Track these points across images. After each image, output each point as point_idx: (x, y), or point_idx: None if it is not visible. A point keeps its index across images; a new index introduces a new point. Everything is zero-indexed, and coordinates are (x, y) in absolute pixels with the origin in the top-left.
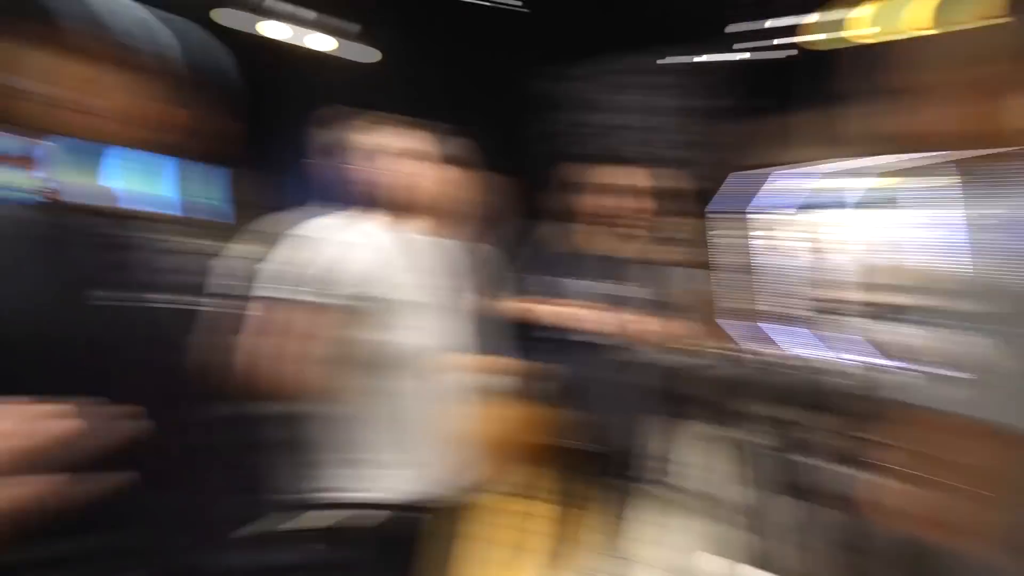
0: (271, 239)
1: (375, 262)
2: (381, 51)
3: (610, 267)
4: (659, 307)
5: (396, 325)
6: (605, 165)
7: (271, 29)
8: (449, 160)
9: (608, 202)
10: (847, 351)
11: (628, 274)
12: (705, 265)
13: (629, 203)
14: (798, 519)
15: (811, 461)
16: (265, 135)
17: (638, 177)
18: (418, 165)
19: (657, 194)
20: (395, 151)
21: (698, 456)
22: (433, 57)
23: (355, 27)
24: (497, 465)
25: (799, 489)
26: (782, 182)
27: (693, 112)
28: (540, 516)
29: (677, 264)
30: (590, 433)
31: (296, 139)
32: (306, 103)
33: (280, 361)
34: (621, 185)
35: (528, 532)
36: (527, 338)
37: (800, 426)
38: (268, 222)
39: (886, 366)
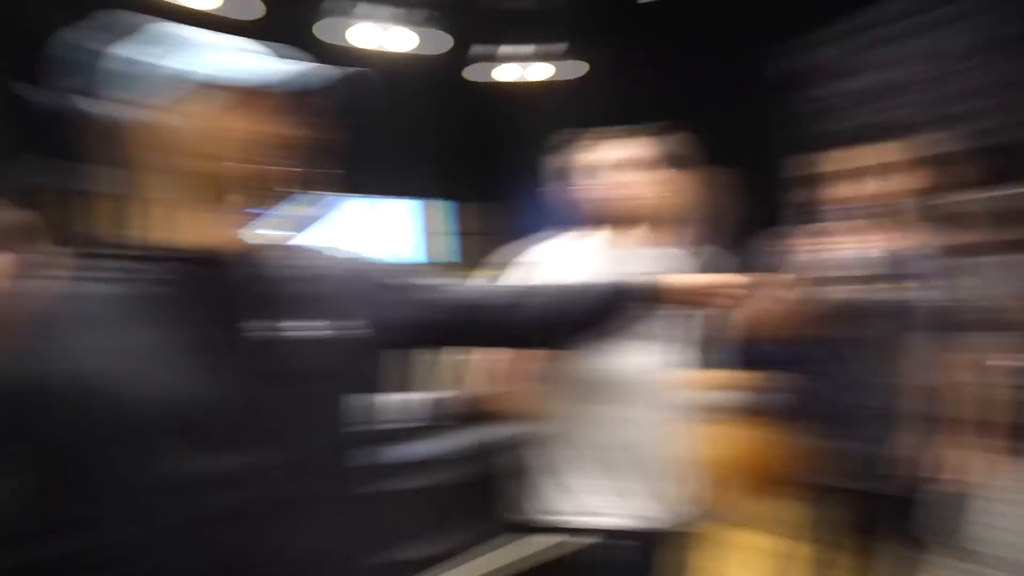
0: (503, 269)
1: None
2: (589, 63)
3: (892, 267)
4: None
5: (621, 346)
6: (863, 143)
7: (501, 72)
8: (673, 162)
9: (868, 187)
10: None
11: (925, 273)
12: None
13: (891, 185)
14: None
15: None
16: (493, 167)
17: (904, 152)
18: (638, 174)
19: (932, 166)
20: (614, 163)
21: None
22: (644, 57)
23: (562, 46)
24: (729, 493)
25: None
26: None
27: (986, 50)
28: (784, 555)
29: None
30: (848, 464)
31: (526, 168)
32: (530, 130)
33: (511, 383)
34: (882, 164)
35: (766, 572)
36: (763, 352)
37: None
38: (501, 253)
39: None
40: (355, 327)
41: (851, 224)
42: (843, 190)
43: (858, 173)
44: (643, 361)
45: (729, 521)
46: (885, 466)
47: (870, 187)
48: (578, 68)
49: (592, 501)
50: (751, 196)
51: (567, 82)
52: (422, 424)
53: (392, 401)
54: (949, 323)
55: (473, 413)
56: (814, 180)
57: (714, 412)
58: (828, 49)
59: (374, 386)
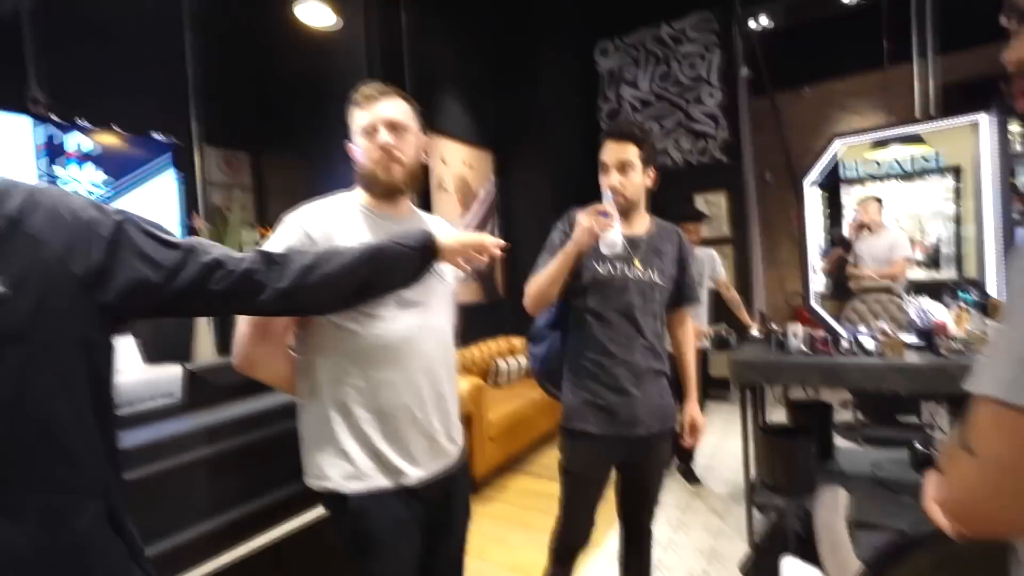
0: (276, 229)
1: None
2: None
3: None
4: None
5: (388, 310)
6: (618, 141)
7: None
8: (424, 127)
9: (614, 179)
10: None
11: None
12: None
13: (630, 179)
14: None
15: None
16: (295, 119)
17: (642, 153)
18: (407, 135)
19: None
20: (386, 122)
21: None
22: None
23: None
24: (502, 445)
25: None
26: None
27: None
28: (552, 496)
29: None
30: (600, 414)
31: (324, 122)
32: (326, 83)
33: (269, 352)
34: (622, 161)
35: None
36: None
37: None
38: (287, 212)
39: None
40: (53, 284)
41: (614, 208)
42: (604, 179)
43: (609, 167)
44: (411, 324)
45: (507, 470)
46: (636, 414)
47: (615, 180)
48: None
49: (366, 464)
50: (549, 174)
51: (357, 37)
52: (177, 401)
53: (147, 376)
54: (680, 298)
55: (239, 384)
56: (600, 168)
57: (492, 375)
58: (615, 57)
59: (97, 358)
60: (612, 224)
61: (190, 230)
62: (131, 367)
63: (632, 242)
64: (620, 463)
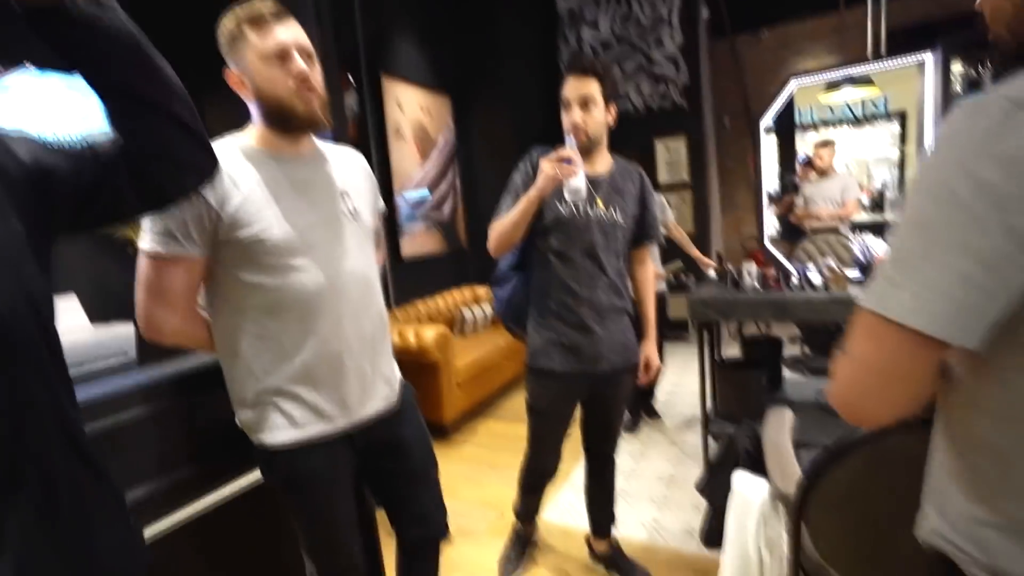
0: None
1: (237, 196)
2: None
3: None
4: None
5: (311, 261)
6: (579, 78)
7: None
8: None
9: (576, 116)
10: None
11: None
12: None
13: (591, 116)
14: None
15: None
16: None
17: (602, 89)
18: (310, 62)
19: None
20: (292, 48)
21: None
22: None
23: None
24: (468, 391)
25: None
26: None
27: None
28: (517, 436)
29: None
30: (564, 352)
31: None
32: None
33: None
34: (583, 96)
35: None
36: None
37: None
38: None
39: None
40: None
41: (577, 154)
42: (567, 117)
43: (571, 103)
44: (327, 272)
45: (475, 415)
46: (599, 351)
47: (577, 116)
48: None
49: (296, 414)
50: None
51: None
52: (132, 359)
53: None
54: (642, 236)
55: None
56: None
57: (457, 324)
58: None
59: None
60: (576, 171)
61: None
62: (79, 327)
63: (594, 181)
64: (584, 399)
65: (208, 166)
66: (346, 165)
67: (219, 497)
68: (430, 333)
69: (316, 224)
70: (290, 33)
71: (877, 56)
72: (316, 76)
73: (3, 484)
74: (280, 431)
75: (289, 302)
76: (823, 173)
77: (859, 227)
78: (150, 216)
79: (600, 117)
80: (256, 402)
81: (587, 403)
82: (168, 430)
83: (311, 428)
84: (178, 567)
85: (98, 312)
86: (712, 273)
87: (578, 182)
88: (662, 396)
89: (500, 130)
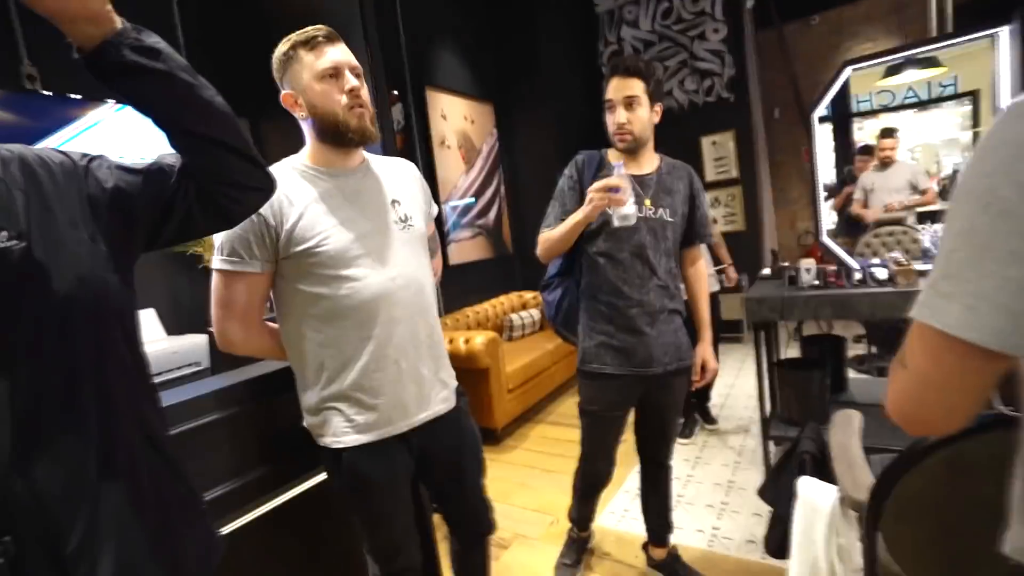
0: None
1: (294, 213)
2: None
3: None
4: None
5: (365, 268)
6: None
7: None
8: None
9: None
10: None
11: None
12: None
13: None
14: None
15: None
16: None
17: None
18: (362, 82)
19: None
20: (344, 67)
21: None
22: None
23: None
24: (518, 397)
25: None
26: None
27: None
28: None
29: None
30: (618, 355)
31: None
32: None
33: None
34: (628, 97)
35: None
36: None
37: None
38: None
39: None
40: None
41: (625, 180)
42: (611, 118)
43: (615, 104)
44: (383, 279)
45: (526, 420)
46: (651, 353)
47: (622, 116)
48: None
49: (359, 418)
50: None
51: None
52: (206, 368)
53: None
54: (692, 235)
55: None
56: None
57: (506, 330)
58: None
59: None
60: (624, 199)
61: None
62: (155, 339)
63: (642, 181)
64: (637, 401)
65: (266, 185)
66: (396, 174)
67: (288, 496)
68: (480, 339)
69: (369, 233)
70: (341, 53)
71: (943, 34)
72: (365, 92)
73: (99, 472)
74: (342, 435)
75: (346, 310)
76: (886, 163)
77: (928, 216)
78: (219, 233)
79: (645, 116)
80: (320, 407)
81: (641, 407)
82: (242, 432)
83: (371, 432)
84: (251, 562)
85: (174, 325)
86: (767, 270)
87: (627, 210)
88: (717, 399)
89: (543, 134)
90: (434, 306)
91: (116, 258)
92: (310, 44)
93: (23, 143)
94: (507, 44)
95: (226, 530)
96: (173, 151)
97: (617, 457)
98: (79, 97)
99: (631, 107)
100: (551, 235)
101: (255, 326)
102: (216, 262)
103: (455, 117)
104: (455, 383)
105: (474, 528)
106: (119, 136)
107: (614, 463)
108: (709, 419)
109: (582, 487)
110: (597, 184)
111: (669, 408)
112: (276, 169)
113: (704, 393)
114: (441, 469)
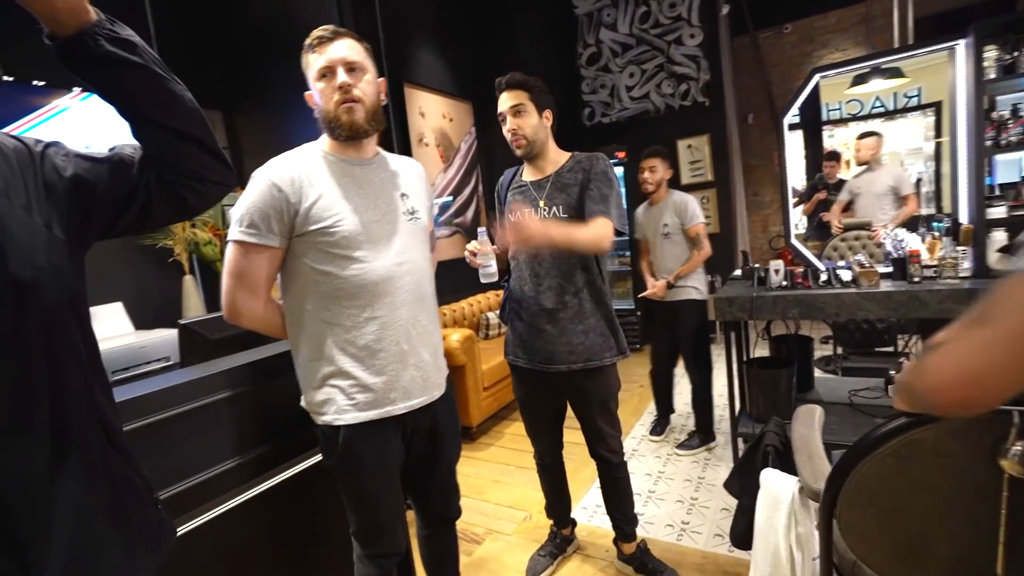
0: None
1: (313, 193)
2: None
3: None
4: None
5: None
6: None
7: None
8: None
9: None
10: None
11: None
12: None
13: None
14: None
15: None
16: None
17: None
18: (366, 76)
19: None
20: (336, 64)
21: None
22: None
23: None
24: (482, 389)
25: None
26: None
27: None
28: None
29: None
30: (540, 350)
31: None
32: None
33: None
34: None
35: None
36: None
37: None
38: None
39: None
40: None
41: (487, 243)
42: (505, 129)
43: (505, 115)
44: (388, 263)
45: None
46: (551, 350)
47: (512, 123)
48: None
49: (357, 397)
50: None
51: None
52: (175, 363)
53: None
54: (585, 213)
55: (234, 336)
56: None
57: (482, 328)
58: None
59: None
60: (480, 263)
61: None
62: (123, 334)
63: (538, 184)
64: (555, 397)
65: (227, 180)
66: (406, 170)
67: (282, 477)
68: (456, 336)
69: (379, 220)
70: (337, 50)
71: (904, 46)
72: (363, 85)
73: (51, 455)
74: (342, 412)
75: (353, 289)
76: (867, 165)
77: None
78: (238, 205)
79: (533, 121)
80: (322, 383)
81: (570, 403)
82: (243, 413)
83: (372, 410)
84: (239, 541)
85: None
86: (737, 271)
87: (487, 270)
88: (686, 398)
89: None
90: (434, 296)
91: (71, 244)
92: (313, 45)
93: None
94: (486, 43)
95: (205, 518)
96: (132, 142)
97: (562, 452)
98: (43, 84)
99: (519, 115)
100: None
101: (264, 299)
102: (234, 233)
103: (433, 115)
104: (447, 371)
105: (443, 512)
106: (84, 124)
107: (556, 453)
108: (711, 435)
109: (539, 475)
110: (468, 246)
111: (588, 406)
112: (302, 150)
113: (705, 409)
114: (419, 448)
